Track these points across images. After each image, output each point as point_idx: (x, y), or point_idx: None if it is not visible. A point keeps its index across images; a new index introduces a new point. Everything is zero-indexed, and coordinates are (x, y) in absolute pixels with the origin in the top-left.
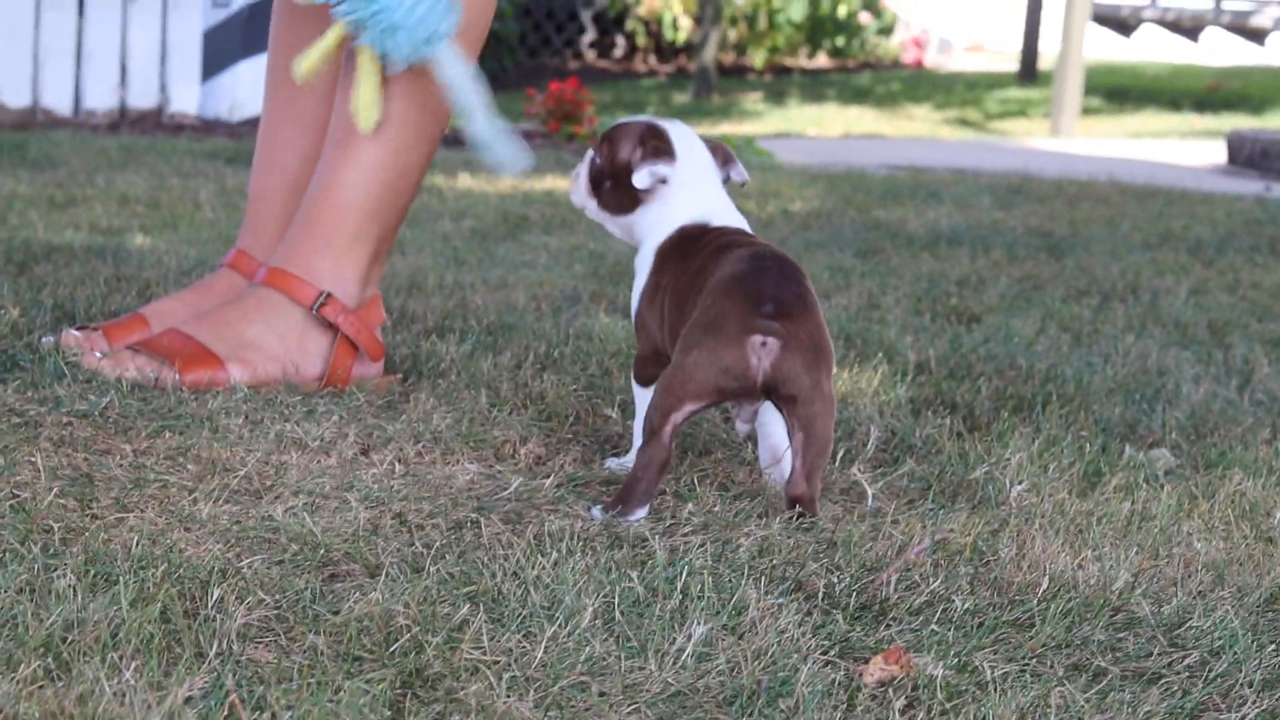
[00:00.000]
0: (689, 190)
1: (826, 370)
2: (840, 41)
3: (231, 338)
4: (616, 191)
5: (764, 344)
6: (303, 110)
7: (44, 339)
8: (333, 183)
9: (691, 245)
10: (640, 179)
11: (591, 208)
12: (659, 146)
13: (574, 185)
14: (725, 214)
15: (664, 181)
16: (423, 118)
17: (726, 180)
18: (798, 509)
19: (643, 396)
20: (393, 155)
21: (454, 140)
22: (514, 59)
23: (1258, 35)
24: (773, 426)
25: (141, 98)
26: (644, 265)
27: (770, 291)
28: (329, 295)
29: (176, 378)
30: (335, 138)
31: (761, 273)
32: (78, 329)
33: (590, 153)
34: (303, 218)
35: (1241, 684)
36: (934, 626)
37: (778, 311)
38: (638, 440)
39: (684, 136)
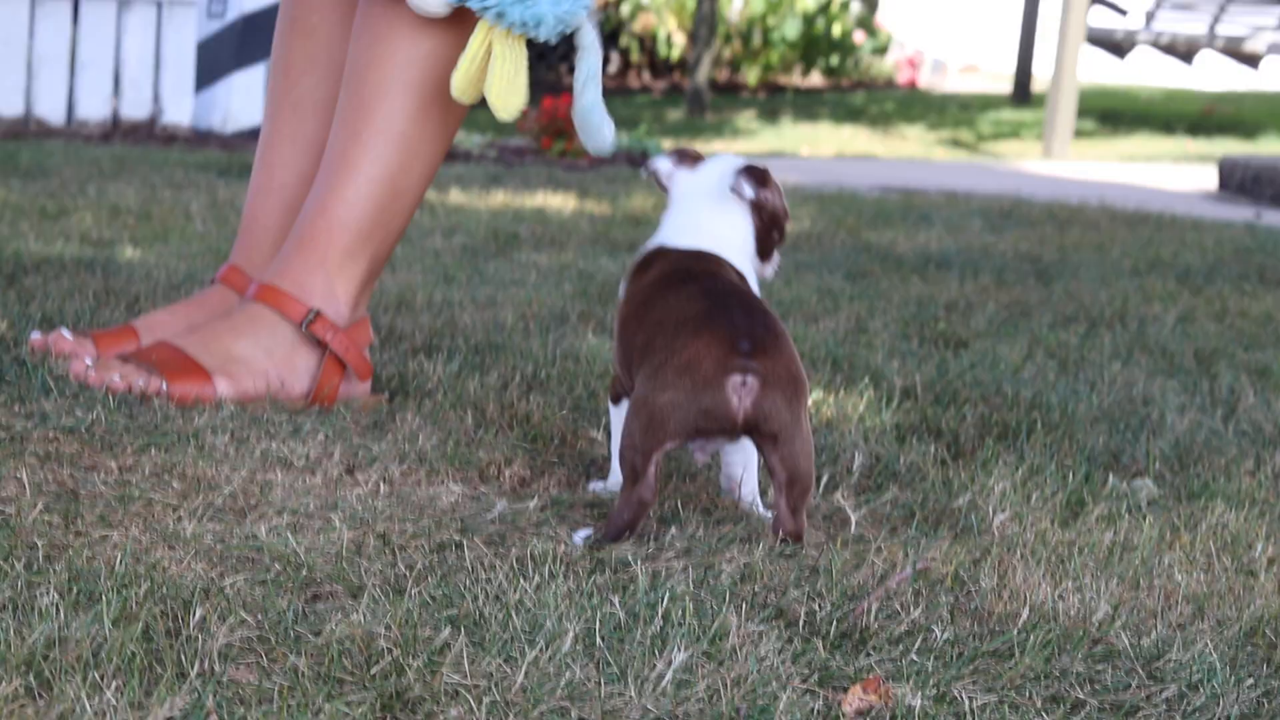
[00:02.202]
0: (674, 210)
1: (803, 404)
2: (835, 60)
3: (220, 352)
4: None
5: (744, 383)
6: (302, 131)
7: (32, 333)
8: (328, 201)
9: (643, 271)
10: (644, 168)
11: None
12: (683, 154)
13: None
14: (689, 235)
15: (655, 177)
16: (422, 141)
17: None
18: (782, 536)
19: (615, 415)
20: (389, 176)
21: (446, 156)
22: None
23: (1252, 60)
24: (731, 455)
25: (135, 108)
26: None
27: (742, 327)
28: (318, 313)
29: (164, 388)
30: (332, 157)
31: (726, 308)
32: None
33: None
34: (296, 235)
35: (1219, 717)
36: (914, 656)
37: (754, 349)
38: (615, 463)
39: (717, 160)
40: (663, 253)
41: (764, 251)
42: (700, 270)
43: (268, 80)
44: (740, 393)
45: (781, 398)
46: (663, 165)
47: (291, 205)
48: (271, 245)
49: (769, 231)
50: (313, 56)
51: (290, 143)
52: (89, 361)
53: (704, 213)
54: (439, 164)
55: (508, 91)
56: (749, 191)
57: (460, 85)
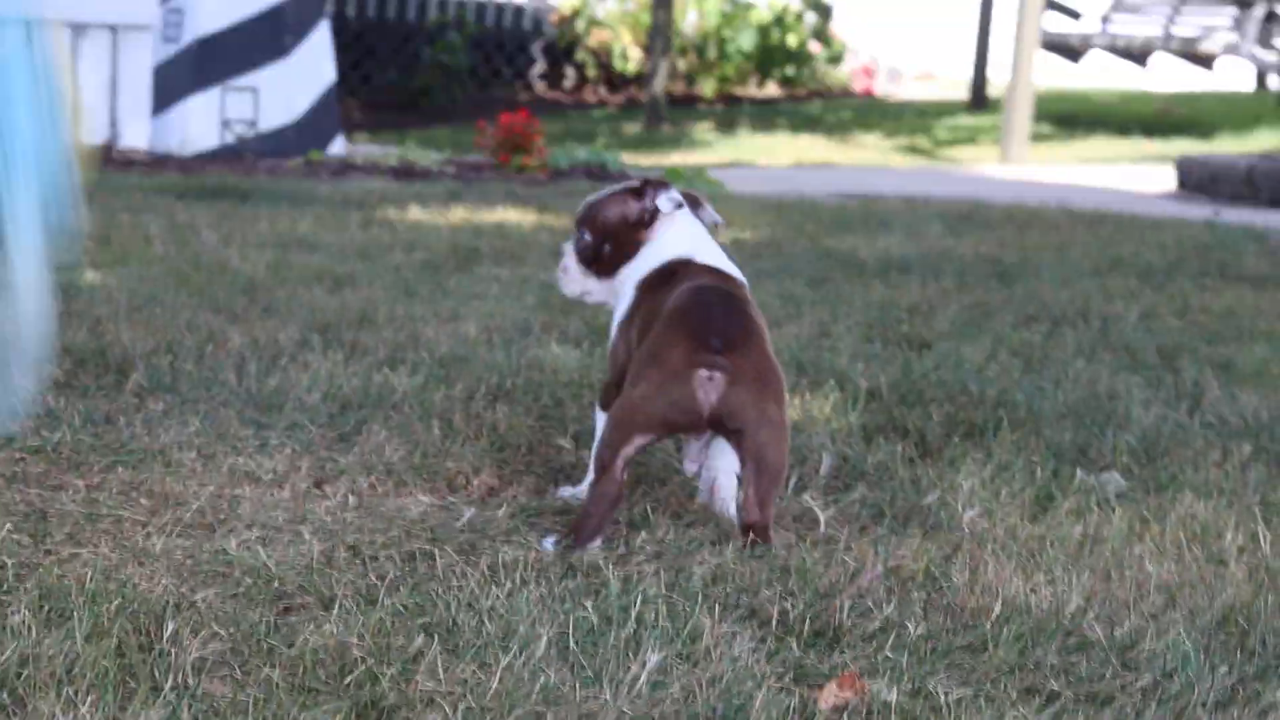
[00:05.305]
0: (678, 228)
1: (775, 399)
2: (790, 71)
3: None
4: (617, 247)
5: (710, 378)
6: None
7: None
8: None
9: (669, 279)
10: (665, 204)
11: (591, 285)
12: (657, 183)
13: (565, 278)
14: (710, 253)
15: (680, 206)
16: None
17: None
18: (751, 536)
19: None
20: None
21: (404, 172)
22: (464, 91)
23: (1205, 60)
24: (714, 460)
25: (91, 133)
26: (624, 298)
27: (716, 324)
28: None
29: None
30: None
31: (705, 305)
32: None
33: (570, 242)
34: None
35: (1194, 704)
36: (888, 652)
37: (725, 345)
38: (594, 468)
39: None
40: (691, 264)
41: None
42: (703, 280)
43: None
44: (706, 387)
45: (748, 394)
46: (675, 194)
47: None
48: None
49: None
50: None
51: None
52: None
53: (704, 234)
54: None
55: None
56: (716, 218)
57: None
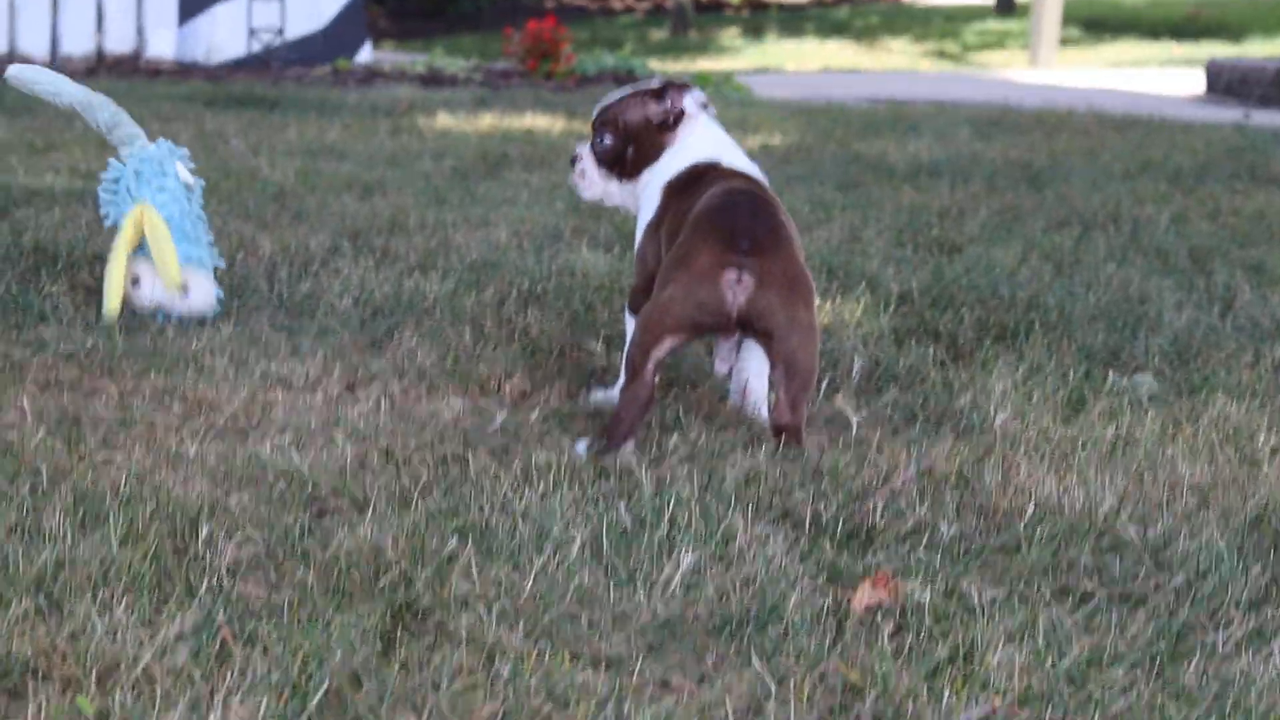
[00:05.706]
0: (701, 130)
1: (804, 302)
2: None
3: None
4: (640, 150)
5: (738, 279)
6: None
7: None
8: None
9: (697, 182)
10: (690, 105)
11: (612, 188)
12: (679, 85)
13: (582, 183)
14: (735, 155)
15: (705, 107)
16: None
17: None
18: (783, 438)
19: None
20: None
21: (432, 80)
22: None
23: None
24: (745, 363)
25: (118, 42)
26: (651, 200)
27: (744, 227)
28: None
29: None
30: None
31: (734, 207)
32: None
33: (585, 146)
34: None
35: (1228, 604)
36: (921, 553)
37: (753, 247)
38: (625, 372)
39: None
40: (718, 167)
41: None
42: (734, 182)
43: None
44: (734, 288)
45: (776, 296)
46: (699, 95)
47: None
48: None
49: None
50: None
51: None
52: None
53: (726, 136)
54: None
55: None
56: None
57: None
